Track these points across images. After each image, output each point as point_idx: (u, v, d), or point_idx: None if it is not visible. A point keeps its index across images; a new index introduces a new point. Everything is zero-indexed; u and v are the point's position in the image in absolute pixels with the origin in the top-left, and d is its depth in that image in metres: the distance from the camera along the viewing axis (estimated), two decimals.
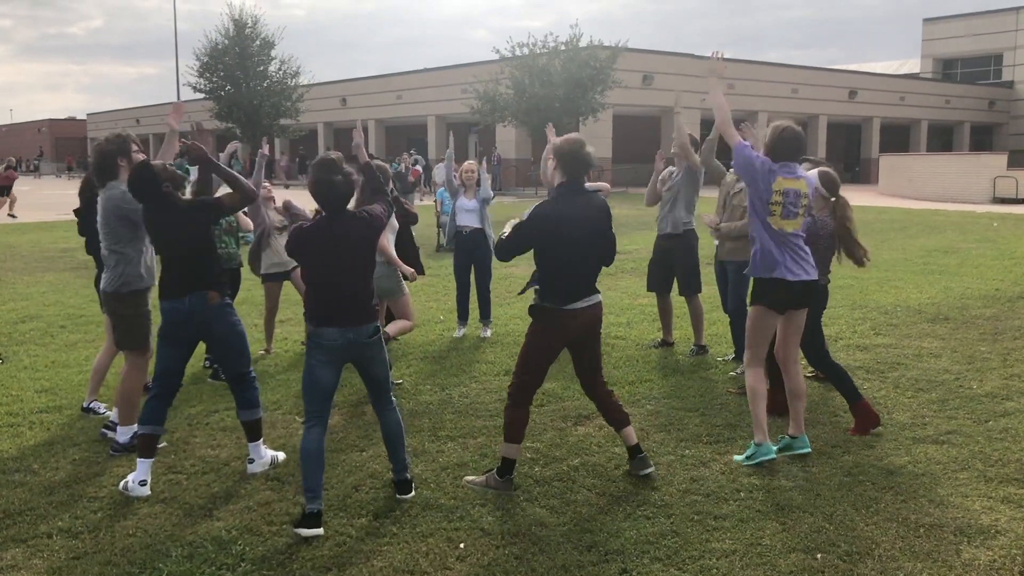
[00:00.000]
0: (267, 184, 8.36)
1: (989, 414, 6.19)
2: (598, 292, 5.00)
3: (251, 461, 5.23)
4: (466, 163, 9.11)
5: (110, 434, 5.75)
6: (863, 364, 7.60)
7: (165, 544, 4.31)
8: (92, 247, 6.34)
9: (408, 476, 4.89)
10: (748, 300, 5.57)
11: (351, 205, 4.83)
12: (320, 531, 4.39)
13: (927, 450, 5.50)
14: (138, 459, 4.98)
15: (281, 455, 5.39)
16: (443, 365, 7.72)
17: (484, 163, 16.15)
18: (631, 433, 5.17)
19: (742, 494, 4.85)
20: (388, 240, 7.04)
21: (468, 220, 8.74)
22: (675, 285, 8.22)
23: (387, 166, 7.41)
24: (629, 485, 5.00)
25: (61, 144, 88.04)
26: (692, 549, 4.23)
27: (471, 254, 8.77)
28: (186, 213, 4.98)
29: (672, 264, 8.10)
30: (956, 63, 63.10)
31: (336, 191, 4.52)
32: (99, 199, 5.59)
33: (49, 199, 36.31)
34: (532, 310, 4.95)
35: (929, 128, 56.63)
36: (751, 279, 5.52)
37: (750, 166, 5.23)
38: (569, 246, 4.80)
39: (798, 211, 5.25)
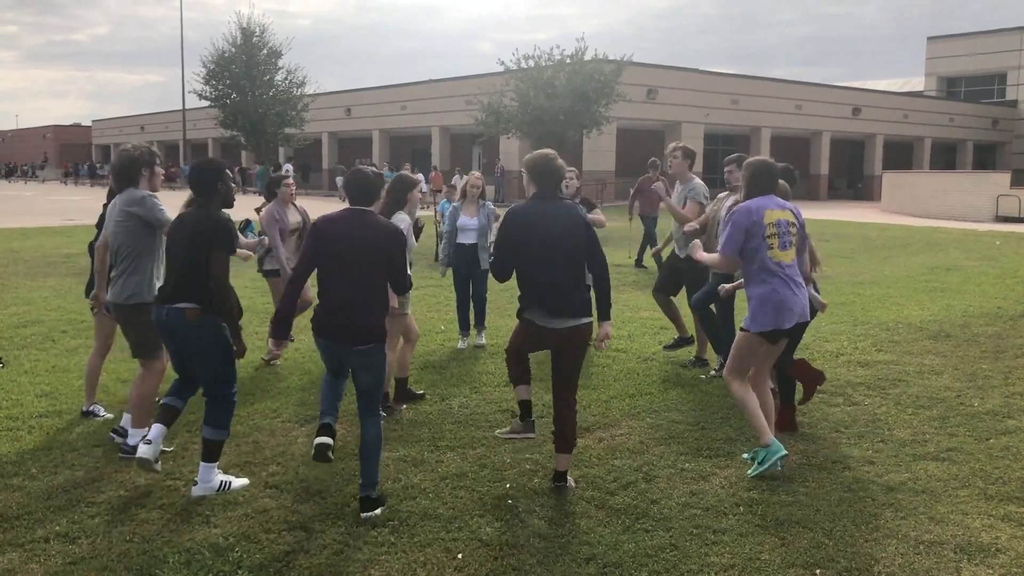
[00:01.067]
0: (290, 181, 8.40)
1: (990, 432, 6.18)
2: (586, 314, 4.96)
3: (195, 483, 5.01)
4: (471, 175, 9.02)
5: (118, 439, 5.73)
6: (864, 380, 7.59)
7: (163, 550, 4.30)
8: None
9: (372, 495, 4.74)
10: (740, 325, 5.57)
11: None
12: (328, 440, 4.70)
13: (927, 467, 5.49)
14: (154, 422, 5.09)
15: (242, 481, 5.13)
16: (443, 375, 7.72)
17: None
18: (564, 460, 5.13)
19: (741, 508, 4.84)
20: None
21: (468, 238, 8.64)
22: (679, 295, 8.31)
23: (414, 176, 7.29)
24: (628, 498, 4.99)
25: (66, 150, 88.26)
26: (691, 563, 4.22)
27: (471, 266, 8.75)
28: (201, 224, 4.96)
29: (682, 277, 8.15)
30: (960, 81, 63.21)
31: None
32: (115, 202, 5.62)
33: (54, 205, 36.38)
34: (518, 315, 5.11)
35: (932, 146, 56.67)
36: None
37: (742, 230, 5.27)
38: (538, 247, 4.88)
39: (791, 240, 5.33)
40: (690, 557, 4.27)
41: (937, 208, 33.20)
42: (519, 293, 5.01)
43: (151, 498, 4.94)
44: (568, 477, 5.16)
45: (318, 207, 8.71)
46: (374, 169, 5.28)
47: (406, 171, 22.40)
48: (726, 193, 7.38)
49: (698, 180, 8.07)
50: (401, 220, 6.23)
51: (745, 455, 5.58)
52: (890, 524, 4.65)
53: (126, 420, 5.77)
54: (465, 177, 9.27)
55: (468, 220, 8.65)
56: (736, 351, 5.47)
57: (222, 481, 5.03)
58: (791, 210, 5.41)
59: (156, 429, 5.04)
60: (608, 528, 4.60)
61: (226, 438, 5.12)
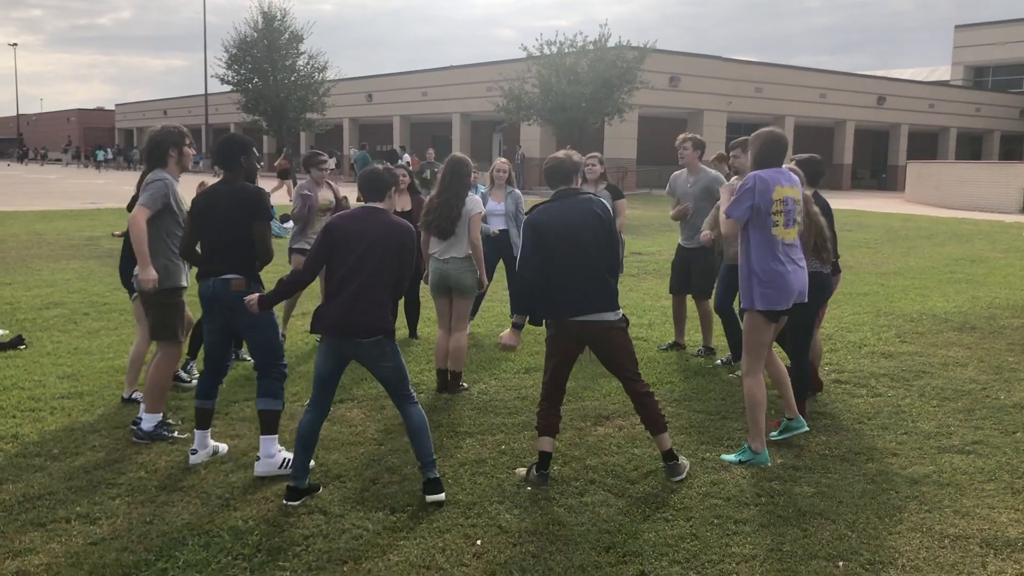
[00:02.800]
0: (324, 157, 8.52)
1: (1016, 425, 6.09)
2: (610, 309, 4.92)
3: (257, 459, 5.07)
4: (498, 161, 8.94)
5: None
6: (888, 371, 7.50)
7: (182, 532, 4.31)
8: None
9: (434, 475, 4.70)
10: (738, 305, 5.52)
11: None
12: (294, 504, 4.61)
13: (952, 460, 5.42)
14: (195, 429, 5.22)
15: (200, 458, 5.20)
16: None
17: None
18: (664, 440, 5.08)
19: (763, 499, 4.79)
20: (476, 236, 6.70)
21: (496, 224, 8.53)
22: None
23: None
24: (648, 487, 4.96)
25: (89, 134, 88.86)
26: (712, 553, 4.18)
27: (500, 252, 8.67)
28: (234, 198, 5.00)
29: (690, 267, 8.09)
30: (987, 71, 62.41)
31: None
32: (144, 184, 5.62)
33: (74, 188, 36.65)
34: (546, 326, 5.08)
35: (958, 136, 56.05)
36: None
37: (755, 191, 5.15)
38: (559, 249, 4.85)
39: (795, 218, 5.26)
40: (711, 547, 4.23)
41: (962, 199, 32.85)
42: (548, 299, 4.93)
43: (171, 480, 4.96)
44: (679, 456, 5.13)
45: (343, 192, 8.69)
46: (390, 162, 5.25)
47: (429, 157, 22.37)
48: (736, 178, 7.32)
49: (713, 171, 8.03)
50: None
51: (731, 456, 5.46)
52: (914, 517, 4.59)
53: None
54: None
55: (495, 205, 8.58)
56: (746, 338, 5.38)
57: (285, 458, 5.05)
58: (797, 187, 5.29)
59: (199, 436, 5.19)
60: (628, 517, 4.56)
61: (282, 409, 5.17)
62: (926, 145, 55.47)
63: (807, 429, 5.73)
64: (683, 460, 5.15)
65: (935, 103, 54.04)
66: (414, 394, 4.81)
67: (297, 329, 8.54)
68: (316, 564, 4.02)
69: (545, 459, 4.99)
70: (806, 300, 5.43)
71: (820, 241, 5.80)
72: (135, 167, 64.49)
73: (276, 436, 5.09)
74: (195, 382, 6.79)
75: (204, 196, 5.13)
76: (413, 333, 8.63)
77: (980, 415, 6.31)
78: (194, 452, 5.18)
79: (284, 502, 4.63)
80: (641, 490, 4.91)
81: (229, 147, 5.13)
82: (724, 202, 5.43)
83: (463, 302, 6.75)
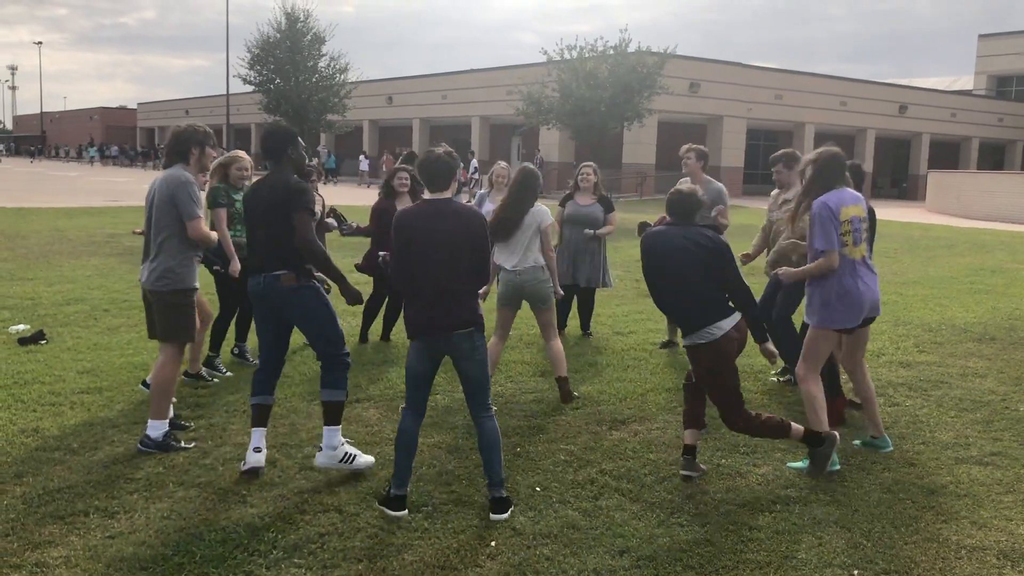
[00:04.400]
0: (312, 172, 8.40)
1: None
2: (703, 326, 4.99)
3: (319, 449, 4.98)
4: (497, 165, 9.02)
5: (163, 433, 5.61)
6: (906, 381, 7.46)
7: (199, 528, 4.34)
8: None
9: (502, 494, 4.58)
10: (805, 319, 5.50)
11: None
12: (402, 514, 4.50)
13: (970, 471, 5.38)
14: (252, 428, 5.10)
15: (367, 459, 5.09)
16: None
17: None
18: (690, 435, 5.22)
19: (778, 506, 4.78)
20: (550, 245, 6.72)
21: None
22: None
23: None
24: (663, 492, 4.95)
25: (112, 132, 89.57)
26: (726, 559, 4.17)
27: None
28: (276, 192, 4.92)
29: None
30: (1011, 80, 61.89)
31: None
32: (157, 181, 5.51)
33: (93, 186, 36.94)
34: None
35: (980, 146, 55.62)
36: (804, 296, 5.49)
37: (831, 220, 5.17)
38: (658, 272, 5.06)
39: (863, 236, 5.32)
40: (725, 553, 4.23)
41: (983, 209, 32.59)
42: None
43: (189, 476, 4.99)
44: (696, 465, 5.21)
45: (350, 194, 8.72)
46: (446, 148, 5.04)
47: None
48: (777, 192, 7.33)
49: (716, 183, 8.14)
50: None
51: (801, 458, 5.47)
52: (931, 527, 4.57)
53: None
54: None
55: (493, 206, 8.62)
56: (810, 348, 5.39)
57: (347, 453, 5.00)
58: (862, 204, 5.36)
59: (257, 434, 5.05)
60: (643, 521, 4.56)
61: (345, 399, 5.10)
62: (947, 155, 55.08)
63: (891, 449, 5.69)
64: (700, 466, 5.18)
65: (957, 112, 53.67)
66: (492, 407, 4.73)
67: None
68: (331, 562, 4.04)
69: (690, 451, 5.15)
70: (879, 313, 5.48)
71: None
72: (134, 164, 65.81)
73: (339, 427, 5.03)
74: (216, 380, 6.84)
75: (251, 191, 5.07)
76: (386, 336, 8.57)
77: (999, 426, 6.26)
78: (258, 450, 5.02)
79: (389, 512, 4.49)
80: (656, 495, 4.91)
81: (275, 139, 5.02)
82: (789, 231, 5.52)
83: (546, 312, 6.69)
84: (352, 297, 5.03)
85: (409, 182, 8.32)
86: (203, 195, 5.69)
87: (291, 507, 4.61)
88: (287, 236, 4.87)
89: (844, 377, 6.72)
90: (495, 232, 6.50)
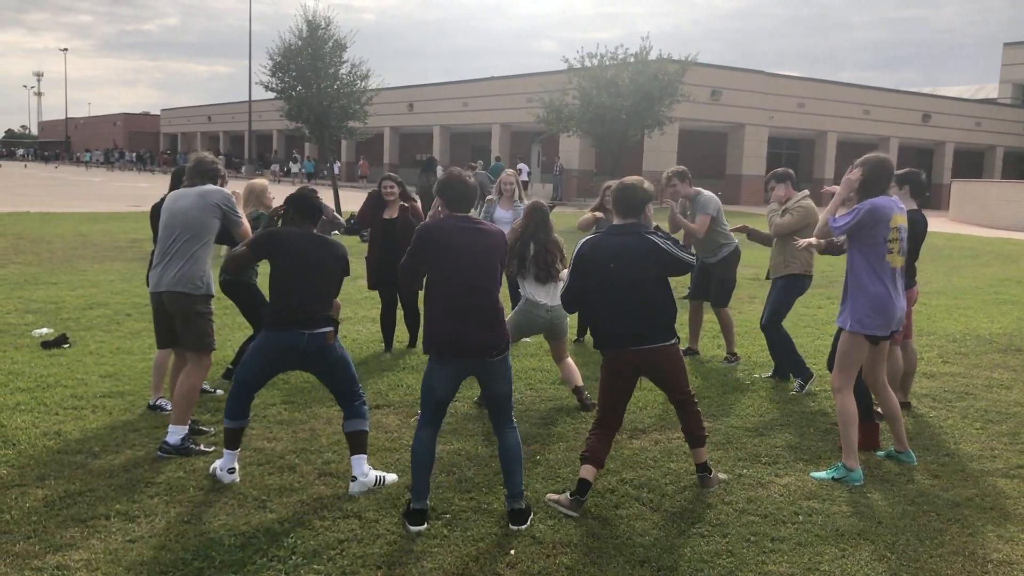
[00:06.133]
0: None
1: None
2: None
3: (353, 479, 4.95)
4: (504, 174, 9.09)
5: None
6: (930, 392, 7.38)
7: (218, 533, 4.35)
8: None
9: (521, 505, 4.54)
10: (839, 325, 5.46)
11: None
12: (421, 528, 4.44)
13: (996, 483, 5.31)
14: (224, 449, 5.04)
15: (392, 477, 5.08)
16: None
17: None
18: (700, 453, 5.11)
19: (800, 517, 4.73)
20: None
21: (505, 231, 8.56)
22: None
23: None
24: (684, 502, 4.91)
25: (135, 138, 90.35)
26: (747, 570, 4.13)
27: None
28: (333, 257, 4.97)
29: (711, 277, 8.37)
30: None
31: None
32: (192, 192, 5.58)
33: (117, 191, 37.22)
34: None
35: (1005, 155, 55.08)
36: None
37: (872, 219, 5.15)
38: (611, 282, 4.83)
39: (905, 246, 5.33)
40: (747, 564, 4.18)
41: (1008, 219, 32.25)
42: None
43: (209, 480, 5.00)
44: (713, 470, 5.14)
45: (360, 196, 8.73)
46: (427, 171, 5.06)
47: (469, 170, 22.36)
48: (775, 204, 7.52)
49: (706, 192, 8.19)
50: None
51: (827, 468, 5.42)
52: (956, 540, 4.50)
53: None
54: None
55: (503, 213, 8.87)
56: (840, 356, 5.38)
57: (377, 476, 5.00)
58: (905, 215, 5.37)
59: (229, 456, 5.02)
60: (663, 531, 4.53)
61: (368, 429, 5.09)
62: (971, 164, 54.59)
63: (915, 463, 5.61)
64: (717, 475, 5.12)
65: (982, 121, 53.19)
66: (515, 419, 4.72)
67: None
68: (350, 568, 4.03)
69: (584, 486, 4.81)
70: (900, 328, 5.46)
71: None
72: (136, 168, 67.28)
73: (366, 455, 5.01)
74: (219, 391, 6.77)
75: (294, 243, 4.97)
76: (413, 343, 8.58)
77: None
78: (232, 471, 5.00)
79: (409, 527, 4.43)
80: (677, 505, 4.87)
81: (308, 201, 5.04)
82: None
83: (562, 343, 6.78)
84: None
85: (396, 190, 8.34)
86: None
87: (310, 513, 4.61)
88: (331, 296, 4.97)
89: None
90: (542, 274, 6.51)
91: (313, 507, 4.68)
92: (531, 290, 6.59)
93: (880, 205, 5.16)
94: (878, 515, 4.78)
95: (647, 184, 4.95)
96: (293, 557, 4.12)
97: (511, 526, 4.49)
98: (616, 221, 4.98)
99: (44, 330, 8.69)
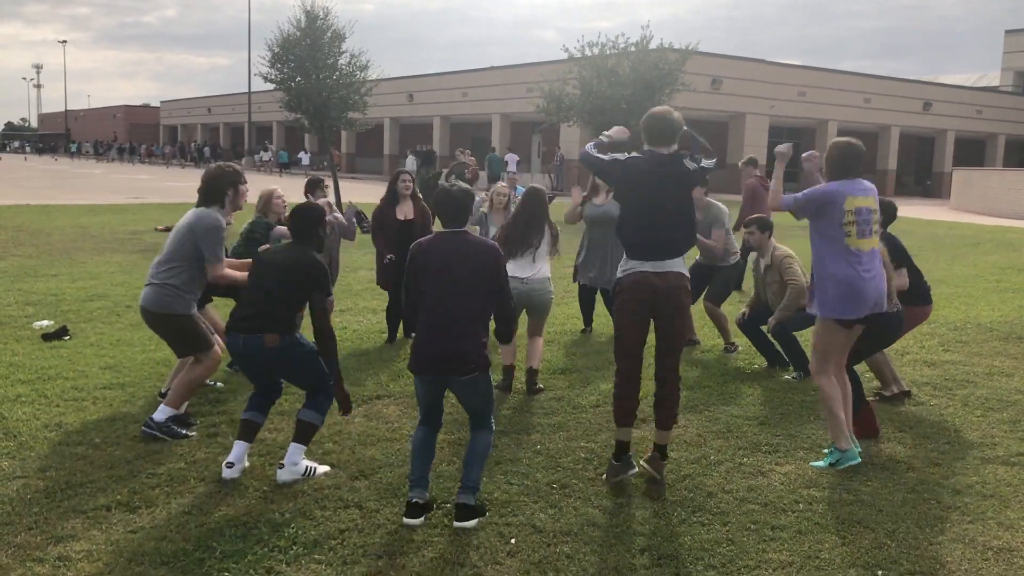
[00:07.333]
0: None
1: None
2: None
3: (281, 466, 4.95)
4: (498, 185, 8.91)
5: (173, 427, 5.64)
6: (931, 380, 7.38)
7: (219, 523, 4.35)
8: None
9: (470, 501, 4.45)
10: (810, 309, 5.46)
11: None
12: (416, 521, 4.40)
13: (996, 471, 5.31)
14: (237, 439, 5.03)
15: (324, 469, 5.07)
16: (498, 361, 7.67)
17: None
18: (663, 436, 5.04)
19: (801, 506, 4.73)
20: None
21: None
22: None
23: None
24: (684, 491, 4.92)
25: (135, 130, 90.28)
26: (748, 559, 4.13)
27: None
28: (297, 266, 4.89)
29: (712, 276, 8.43)
30: None
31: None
32: (189, 217, 5.60)
33: (117, 183, 37.20)
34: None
35: (1006, 143, 54.94)
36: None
37: (816, 200, 5.19)
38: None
39: (871, 228, 5.19)
40: (747, 552, 4.19)
41: (1009, 207, 32.21)
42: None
43: (210, 471, 5.01)
44: (662, 472, 4.99)
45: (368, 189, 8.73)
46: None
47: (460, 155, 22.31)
48: (755, 256, 7.68)
49: (716, 204, 8.24)
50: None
51: (823, 456, 5.41)
52: (956, 528, 4.51)
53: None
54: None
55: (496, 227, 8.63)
56: (816, 343, 5.37)
57: (307, 466, 4.99)
58: (873, 195, 5.26)
59: (239, 448, 4.98)
60: (663, 520, 4.53)
61: (321, 426, 5.09)
62: (973, 152, 54.48)
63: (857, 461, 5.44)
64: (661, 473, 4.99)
65: (983, 109, 53.05)
66: (493, 423, 4.70)
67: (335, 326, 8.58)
68: (351, 558, 4.04)
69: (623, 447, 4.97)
70: (884, 310, 5.34)
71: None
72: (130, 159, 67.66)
73: (305, 448, 5.00)
74: (219, 384, 6.74)
75: (269, 255, 5.02)
76: (409, 332, 8.48)
77: None
78: (230, 466, 4.95)
79: (405, 520, 4.40)
80: (677, 494, 4.87)
81: (306, 219, 4.98)
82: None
83: (541, 320, 6.96)
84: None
85: (412, 185, 8.30)
86: (228, 230, 5.74)
87: (311, 503, 4.61)
88: (289, 305, 4.88)
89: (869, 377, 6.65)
90: (507, 246, 6.60)
91: (314, 497, 4.68)
92: (509, 264, 6.66)
93: (830, 189, 5.16)
94: (878, 503, 4.79)
95: (676, 113, 5.10)
96: (294, 547, 4.13)
97: (454, 522, 4.38)
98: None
99: (44, 322, 8.70)
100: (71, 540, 4.15)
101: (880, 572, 4.03)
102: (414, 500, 4.46)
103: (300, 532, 4.28)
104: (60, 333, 8.16)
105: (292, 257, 4.92)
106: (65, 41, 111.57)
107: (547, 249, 6.91)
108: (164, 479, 4.89)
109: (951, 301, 11.52)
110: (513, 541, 4.25)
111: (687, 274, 4.96)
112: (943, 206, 37.82)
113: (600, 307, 9.00)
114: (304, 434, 4.99)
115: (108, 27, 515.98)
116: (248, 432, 5.04)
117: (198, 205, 5.67)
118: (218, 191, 5.64)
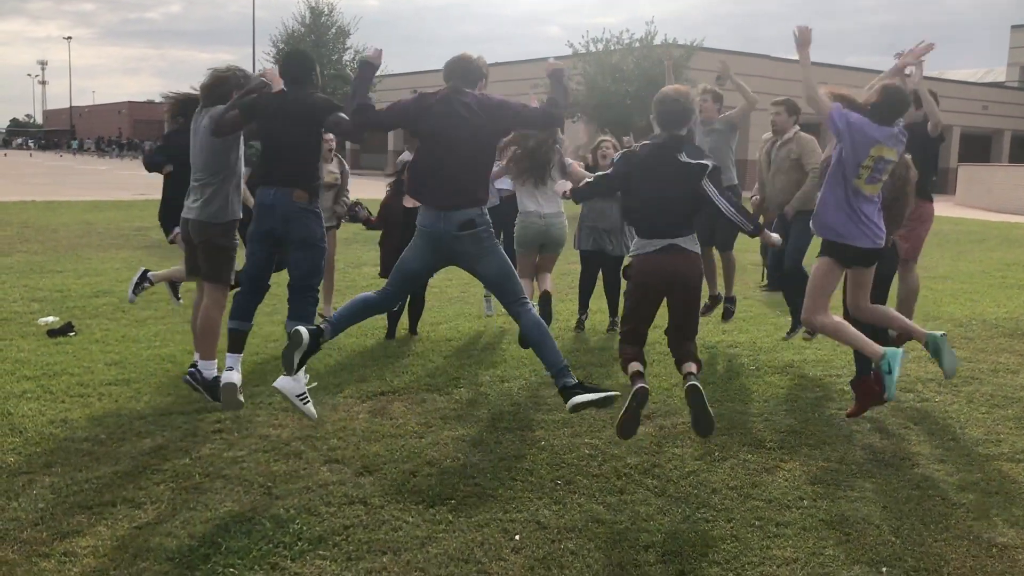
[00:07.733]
0: (329, 137, 8.25)
1: None
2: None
3: (230, 368, 5.05)
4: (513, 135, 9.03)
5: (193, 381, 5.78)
6: (935, 376, 7.36)
7: (224, 519, 4.36)
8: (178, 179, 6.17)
9: (573, 380, 4.47)
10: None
11: None
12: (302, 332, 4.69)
13: (1002, 467, 5.30)
14: (228, 352, 5.13)
15: (312, 412, 5.24)
16: (503, 356, 7.69)
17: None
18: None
19: (805, 502, 4.73)
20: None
21: (507, 184, 8.27)
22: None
23: None
24: (688, 487, 4.92)
25: (140, 126, 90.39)
26: (752, 555, 4.14)
27: (504, 226, 8.25)
28: (302, 106, 4.90)
29: (716, 223, 8.18)
30: None
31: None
32: (200, 119, 5.58)
33: (123, 179, 37.27)
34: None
35: (1012, 139, 54.81)
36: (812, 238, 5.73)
37: (857, 132, 5.22)
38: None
39: (882, 177, 5.30)
40: (751, 549, 4.19)
41: (1015, 203, 32.12)
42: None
43: (215, 467, 5.02)
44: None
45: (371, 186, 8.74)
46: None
47: None
48: (770, 135, 7.56)
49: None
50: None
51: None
52: (961, 525, 4.50)
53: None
54: None
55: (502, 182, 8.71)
56: (811, 282, 5.47)
57: (306, 392, 5.16)
58: (898, 150, 5.31)
59: (233, 358, 5.08)
60: (668, 516, 4.53)
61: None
62: (979, 148, 54.33)
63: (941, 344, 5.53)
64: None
65: (989, 105, 52.91)
66: (528, 299, 4.73)
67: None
68: (356, 554, 4.05)
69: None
70: (881, 246, 5.42)
71: (897, 210, 5.73)
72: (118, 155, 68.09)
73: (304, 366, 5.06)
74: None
75: (271, 106, 4.98)
76: (413, 330, 8.48)
77: None
78: (230, 369, 5.08)
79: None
80: (681, 490, 4.88)
81: (300, 63, 5.02)
82: None
83: (553, 258, 7.12)
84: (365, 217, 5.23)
85: None
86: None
87: (316, 499, 4.62)
88: (308, 153, 4.91)
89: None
90: (527, 170, 6.71)
91: (319, 493, 4.69)
92: (525, 200, 6.91)
93: (873, 134, 5.19)
94: (883, 499, 4.78)
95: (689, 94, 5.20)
96: (299, 543, 4.14)
97: (568, 404, 4.62)
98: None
99: (50, 318, 8.71)
100: (77, 536, 4.16)
101: (884, 569, 4.03)
102: (318, 327, 4.78)
103: (305, 528, 4.29)
104: (65, 329, 8.18)
105: (293, 99, 4.95)
106: (70, 37, 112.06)
107: (558, 177, 6.92)
108: (169, 475, 4.90)
109: (956, 297, 11.50)
110: (517, 537, 4.26)
111: (697, 251, 5.13)
112: (949, 202, 37.72)
113: (597, 303, 8.99)
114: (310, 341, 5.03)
115: (112, 23, 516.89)
116: (237, 342, 5.14)
117: (203, 106, 5.64)
118: (224, 93, 5.57)
